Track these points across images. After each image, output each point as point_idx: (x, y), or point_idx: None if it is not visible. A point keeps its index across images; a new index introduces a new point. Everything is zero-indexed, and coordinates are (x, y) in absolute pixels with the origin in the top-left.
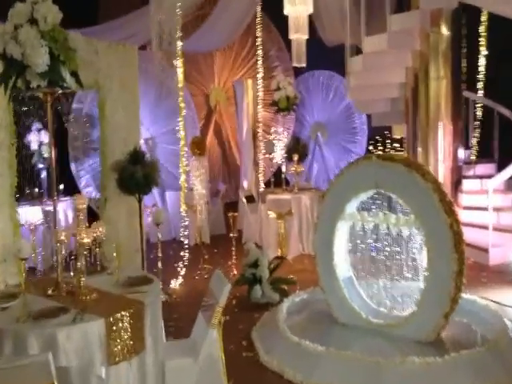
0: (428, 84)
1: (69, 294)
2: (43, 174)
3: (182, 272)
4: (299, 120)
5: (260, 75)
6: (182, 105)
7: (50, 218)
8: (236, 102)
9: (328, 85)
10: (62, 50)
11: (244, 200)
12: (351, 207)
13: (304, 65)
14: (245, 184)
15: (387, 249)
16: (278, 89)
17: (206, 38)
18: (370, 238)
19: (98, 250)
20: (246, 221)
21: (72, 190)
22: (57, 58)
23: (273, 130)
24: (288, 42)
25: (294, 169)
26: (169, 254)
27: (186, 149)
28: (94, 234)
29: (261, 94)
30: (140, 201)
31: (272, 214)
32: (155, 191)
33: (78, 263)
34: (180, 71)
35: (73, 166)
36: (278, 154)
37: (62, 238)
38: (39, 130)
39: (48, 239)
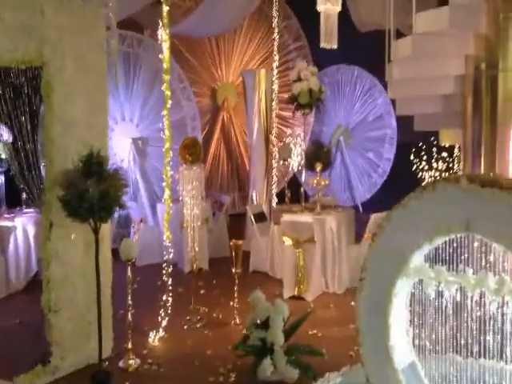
0: (496, 78)
1: None
2: (0, 180)
3: (165, 320)
4: (318, 122)
5: (276, 64)
6: (168, 93)
7: (6, 236)
8: (245, 97)
9: (355, 82)
10: None
11: (252, 218)
12: (419, 257)
13: (335, 46)
14: (254, 196)
15: (476, 326)
16: (299, 80)
17: (208, 19)
18: (449, 306)
19: None
20: (254, 244)
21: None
22: None
23: (288, 131)
24: (310, 24)
25: (315, 181)
26: (155, 284)
27: (171, 154)
28: None
29: (276, 87)
30: (97, 231)
31: (288, 241)
32: (145, 203)
33: None
34: (165, 46)
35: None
36: (295, 161)
37: None
38: None
39: None
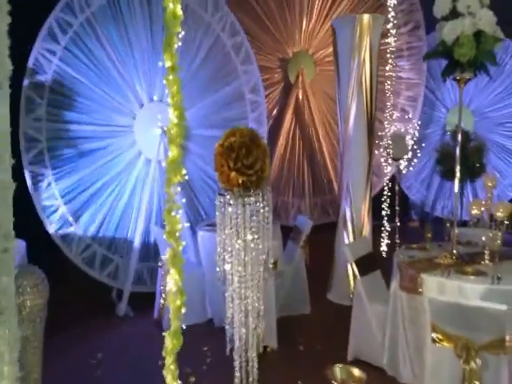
0: None
1: None
2: None
3: None
4: (427, 102)
5: (393, 1)
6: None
7: None
8: (337, 60)
9: None
10: None
11: (355, 268)
12: None
13: None
14: (347, 213)
15: None
16: (455, 15)
17: None
18: None
19: None
20: (356, 312)
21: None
22: None
23: (395, 114)
24: None
25: (479, 207)
26: (196, 368)
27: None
28: None
29: (392, 40)
30: None
31: (444, 342)
32: (185, 228)
33: None
34: None
35: (27, 174)
36: (406, 160)
37: None
38: None
39: None
